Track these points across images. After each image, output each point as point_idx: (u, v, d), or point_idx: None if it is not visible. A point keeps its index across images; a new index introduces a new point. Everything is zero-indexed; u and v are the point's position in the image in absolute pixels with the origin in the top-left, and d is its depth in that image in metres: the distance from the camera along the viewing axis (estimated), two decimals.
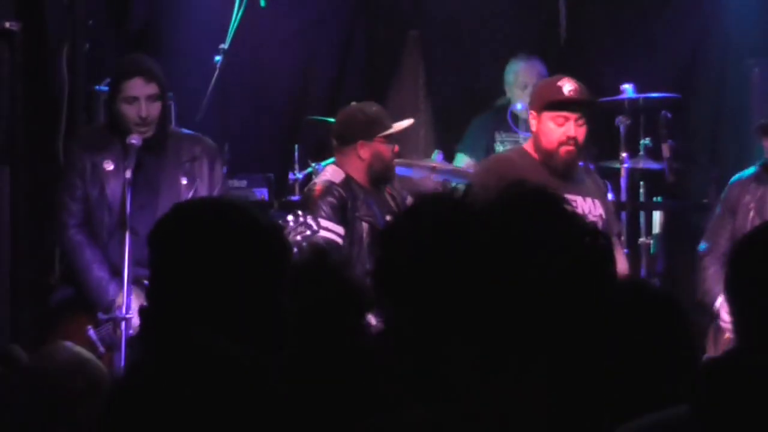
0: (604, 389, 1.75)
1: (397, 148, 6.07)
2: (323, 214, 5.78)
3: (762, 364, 2.14)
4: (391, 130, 5.99)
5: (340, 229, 5.80)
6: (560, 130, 5.60)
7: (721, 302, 5.86)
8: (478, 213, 1.70)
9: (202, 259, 2.24)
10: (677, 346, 2.80)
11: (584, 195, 5.75)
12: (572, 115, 5.60)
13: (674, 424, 2.14)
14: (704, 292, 6.09)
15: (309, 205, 5.85)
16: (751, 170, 6.18)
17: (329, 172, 6.04)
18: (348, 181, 5.93)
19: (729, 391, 2.10)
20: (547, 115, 5.62)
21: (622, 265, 5.82)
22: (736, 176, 6.22)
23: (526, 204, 1.71)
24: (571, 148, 5.60)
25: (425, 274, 1.68)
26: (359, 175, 5.96)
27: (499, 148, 7.46)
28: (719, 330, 5.94)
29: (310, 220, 5.58)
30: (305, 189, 6.26)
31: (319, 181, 6.02)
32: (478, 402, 1.67)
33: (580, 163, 5.88)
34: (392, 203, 6.04)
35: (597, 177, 6.17)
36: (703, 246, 6.20)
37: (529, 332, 1.67)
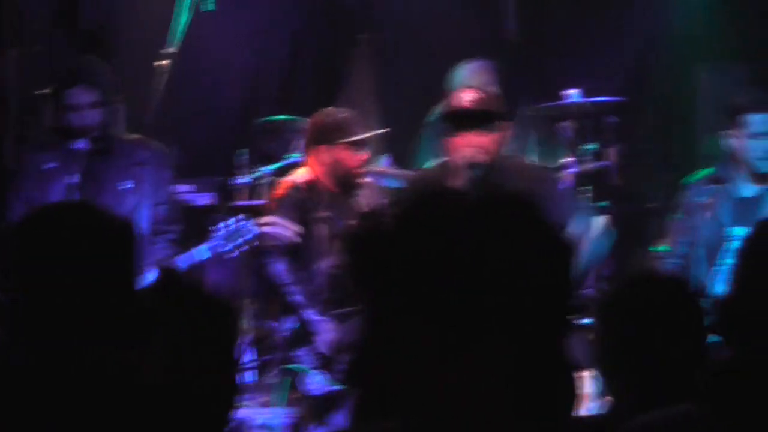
0: (569, 374, 1.79)
1: (366, 155, 6.12)
2: (279, 211, 5.89)
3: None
4: (353, 138, 6.05)
5: (295, 227, 5.88)
6: (459, 142, 5.34)
7: None
8: (451, 213, 1.76)
9: (58, 257, 2.30)
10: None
11: None
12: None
13: (681, 421, 2.19)
14: None
15: (269, 203, 6.00)
16: (706, 172, 6.01)
17: (299, 172, 6.15)
18: (314, 182, 6.05)
19: (736, 389, 2.15)
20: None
21: None
22: (692, 178, 6.00)
23: (498, 208, 1.77)
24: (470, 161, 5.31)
25: (398, 267, 1.73)
26: (325, 178, 6.06)
27: None
28: None
29: (250, 225, 5.62)
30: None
31: (284, 180, 6.17)
32: (440, 385, 1.71)
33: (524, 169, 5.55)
34: (360, 210, 6.03)
35: (547, 183, 5.66)
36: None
37: (493, 318, 1.72)
